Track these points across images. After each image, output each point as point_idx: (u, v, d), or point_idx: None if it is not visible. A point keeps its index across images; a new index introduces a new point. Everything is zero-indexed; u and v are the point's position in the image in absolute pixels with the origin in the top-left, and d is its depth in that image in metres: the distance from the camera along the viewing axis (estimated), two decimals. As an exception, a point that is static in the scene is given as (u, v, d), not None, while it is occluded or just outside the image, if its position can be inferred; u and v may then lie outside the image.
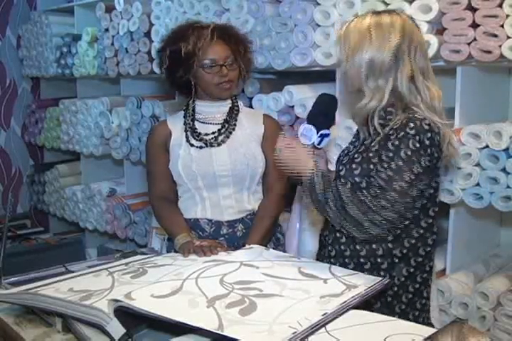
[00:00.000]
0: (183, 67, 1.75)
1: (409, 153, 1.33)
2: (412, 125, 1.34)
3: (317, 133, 1.44)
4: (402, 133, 1.34)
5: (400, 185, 1.32)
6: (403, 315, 1.46)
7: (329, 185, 1.36)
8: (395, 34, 1.38)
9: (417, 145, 1.33)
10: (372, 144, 1.42)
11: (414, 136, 1.33)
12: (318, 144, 1.46)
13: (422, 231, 1.45)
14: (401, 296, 1.46)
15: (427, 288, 1.53)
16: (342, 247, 1.49)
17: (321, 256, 1.60)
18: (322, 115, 1.47)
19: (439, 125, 1.38)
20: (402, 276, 1.45)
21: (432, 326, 1.46)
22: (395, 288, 1.46)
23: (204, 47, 1.72)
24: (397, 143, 1.34)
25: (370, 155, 1.41)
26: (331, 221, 1.41)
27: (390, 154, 1.35)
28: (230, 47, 1.77)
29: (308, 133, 1.45)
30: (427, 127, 1.35)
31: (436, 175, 1.46)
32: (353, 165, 1.44)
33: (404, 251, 1.44)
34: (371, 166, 1.39)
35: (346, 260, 1.48)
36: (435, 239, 1.51)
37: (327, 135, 1.46)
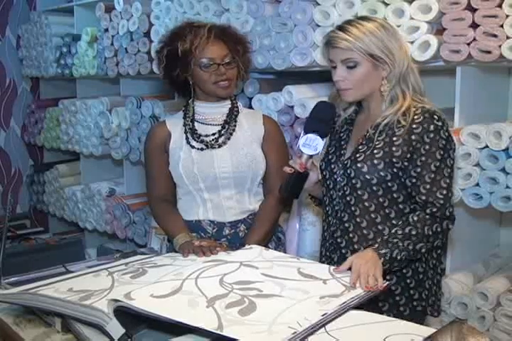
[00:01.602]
0: (181, 66, 1.74)
1: (444, 142, 1.42)
2: (436, 117, 1.43)
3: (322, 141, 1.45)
4: (433, 126, 1.42)
5: (447, 171, 1.42)
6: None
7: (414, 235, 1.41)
8: (401, 38, 1.49)
9: (446, 134, 1.43)
10: (395, 139, 1.45)
11: (442, 126, 1.43)
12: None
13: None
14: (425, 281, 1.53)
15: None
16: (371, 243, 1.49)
17: (330, 259, 1.58)
18: (324, 123, 1.47)
19: None
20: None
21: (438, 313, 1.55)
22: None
23: (201, 45, 1.72)
24: (432, 135, 1.42)
25: (393, 149, 1.44)
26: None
27: (427, 147, 1.42)
28: (227, 47, 1.76)
29: (313, 143, 1.45)
30: (444, 117, 1.45)
31: None
32: (375, 161, 1.45)
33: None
34: (394, 159, 1.44)
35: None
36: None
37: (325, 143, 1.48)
